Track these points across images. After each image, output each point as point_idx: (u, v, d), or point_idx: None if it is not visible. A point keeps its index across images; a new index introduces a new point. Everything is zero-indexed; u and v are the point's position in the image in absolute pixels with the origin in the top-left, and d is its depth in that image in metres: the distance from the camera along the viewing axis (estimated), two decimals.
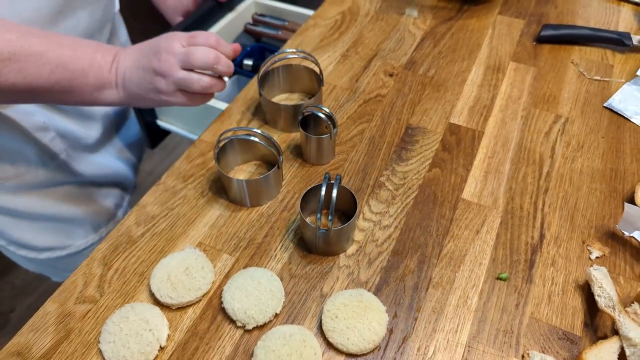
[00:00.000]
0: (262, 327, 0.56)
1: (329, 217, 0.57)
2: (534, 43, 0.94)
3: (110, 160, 1.03)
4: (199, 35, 0.66)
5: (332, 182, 0.61)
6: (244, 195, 0.67)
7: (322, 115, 0.68)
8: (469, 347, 0.55)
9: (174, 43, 0.64)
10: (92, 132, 0.95)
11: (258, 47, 1.17)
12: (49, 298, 0.59)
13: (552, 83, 0.86)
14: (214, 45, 0.66)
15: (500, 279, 0.60)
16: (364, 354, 0.54)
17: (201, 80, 0.65)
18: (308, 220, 0.61)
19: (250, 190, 0.66)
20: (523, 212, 0.67)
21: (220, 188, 0.71)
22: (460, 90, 0.85)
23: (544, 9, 1.02)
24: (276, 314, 0.57)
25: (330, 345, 0.55)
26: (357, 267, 0.62)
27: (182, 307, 0.58)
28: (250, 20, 1.21)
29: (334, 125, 0.69)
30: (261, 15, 1.20)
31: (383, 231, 0.65)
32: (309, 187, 0.63)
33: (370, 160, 0.74)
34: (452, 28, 0.97)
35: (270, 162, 0.73)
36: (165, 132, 1.18)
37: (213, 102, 0.98)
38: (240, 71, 1.14)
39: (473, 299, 0.59)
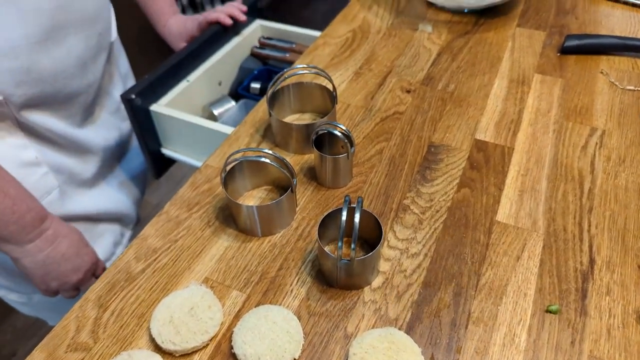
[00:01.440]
0: None
1: (352, 246, 0.51)
2: (558, 54, 0.88)
3: (110, 195, 0.97)
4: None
5: (353, 205, 0.54)
6: (255, 223, 0.60)
7: (338, 133, 0.62)
8: None
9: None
10: (89, 165, 0.90)
11: (266, 70, 1.13)
12: (37, 346, 0.52)
13: (582, 94, 0.79)
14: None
15: (550, 312, 0.52)
16: None
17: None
18: (327, 249, 0.54)
19: (262, 218, 0.59)
20: (567, 234, 0.60)
21: (228, 217, 0.64)
22: (484, 105, 0.79)
23: (564, 20, 0.97)
24: None
25: None
26: (384, 302, 0.54)
27: (187, 354, 0.51)
28: (257, 44, 1.17)
29: (351, 144, 0.63)
30: (268, 38, 1.16)
31: (411, 260, 0.58)
32: (327, 213, 0.56)
33: (392, 182, 0.67)
34: (470, 42, 0.92)
35: (283, 187, 0.66)
36: (171, 161, 1.12)
37: (219, 127, 0.93)
38: (248, 95, 1.10)
39: (521, 336, 0.51)
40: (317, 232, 0.54)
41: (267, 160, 0.58)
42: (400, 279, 0.56)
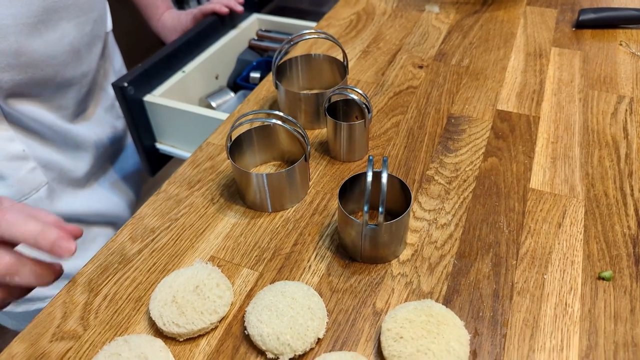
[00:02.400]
0: (301, 358, 0.42)
1: (379, 209, 0.44)
2: (573, 29, 0.84)
3: (102, 196, 0.90)
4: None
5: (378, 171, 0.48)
6: (265, 196, 0.54)
7: (355, 97, 0.57)
8: None
9: None
10: (81, 163, 0.83)
11: (264, 61, 1.08)
12: (17, 336, 0.45)
13: (604, 65, 0.75)
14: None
15: (603, 279, 0.46)
16: None
17: None
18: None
19: (272, 189, 0.53)
20: (610, 199, 0.54)
21: (234, 193, 0.58)
22: (502, 77, 0.74)
23: None
24: (319, 339, 0.43)
25: None
26: (416, 275, 0.48)
27: (193, 338, 0.44)
28: (255, 37, 1.12)
29: (369, 110, 0.58)
30: (266, 31, 1.12)
31: (441, 230, 0.52)
32: (347, 178, 0.50)
33: (412, 154, 0.62)
34: (480, 20, 0.88)
35: (294, 161, 0.60)
36: (166, 158, 1.06)
37: (217, 115, 0.87)
38: (247, 85, 1.05)
39: (574, 306, 0.45)
40: (337, 197, 0.48)
41: (279, 122, 0.52)
42: (430, 251, 0.50)
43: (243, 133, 0.57)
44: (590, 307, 0.45)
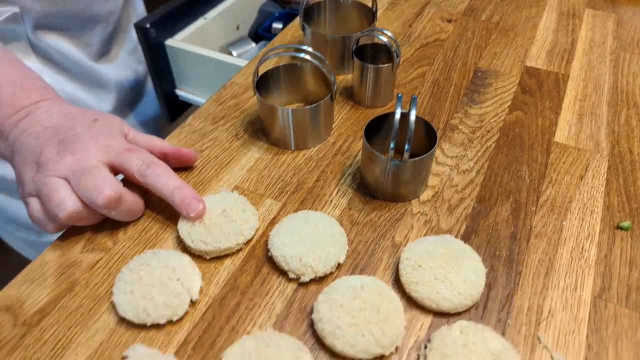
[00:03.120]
0: (321, 281, 0.44)
1: (405, 147, 0.45)
2: None
3: None
4: (135, 154, 0.47)
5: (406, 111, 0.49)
6: (289, 132, 0.55)
7: (384, 39, 0.57)
8: (595, 306, 0.41)
9: (90, 152, 0.46)
10: (104, 103, 0.84)
11: (286, 12, 1.07)
12: (48, 246, 0.47)
13: (638, 29, 0.74)
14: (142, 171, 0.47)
15: (622, 229, 0.47)
16: (458, 313, 0.41)
17: (63, 203, 0.44)
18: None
19: (296, 126, 0.54)
20: (634, 156, 0.54)
21: (258, 130, 0.59)
22: (533, 35, 0.73)
23: None
24: (339, 264, 0.44)
25: (412, 301, 0.42)
26: (435, 215, 0.49)
27: (218, 258, 0.46)
28: None
29: (397, 54, 0.57)
30: None
31: (463, 176, 0.53)
32: (374, 118, 0.51)
33: (437, 103, 0.62)
34: None
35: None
36: (185, 105, 1.07)
37: (238, 62, 0.87)
38: (269, 35, 1.04)
39: (590, 251, 0.45)
40: (363, 134, 0.49)
41: (308, 57, 0.52)
42: (451, 193, 0.51)
43: (269, 71, 0.57)
44: (606, 252, 0.45)
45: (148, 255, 0.44)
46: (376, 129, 0.52)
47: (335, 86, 0.54)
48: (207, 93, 0.98)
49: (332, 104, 0.56)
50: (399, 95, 0.47)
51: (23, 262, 0.46)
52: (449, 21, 0.76)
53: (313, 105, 0.53)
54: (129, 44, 0.89)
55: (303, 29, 0.65)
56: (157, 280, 0.41)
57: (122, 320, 0.41)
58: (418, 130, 0.51)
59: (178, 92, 1.02)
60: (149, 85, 1.02)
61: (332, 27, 0.72)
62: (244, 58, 0.99)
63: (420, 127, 0.51)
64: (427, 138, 0.51)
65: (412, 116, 0.45)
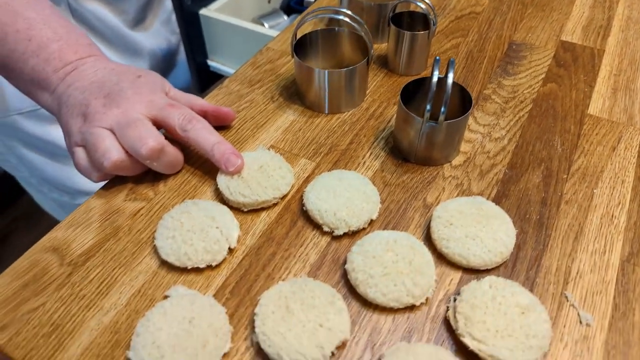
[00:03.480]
0: (353, 235, 0.45)
1: (442, 109, 0.46)
2: None
3: None
4: (177, 109, 0.49)
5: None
6: (324, 95, 0.56)
7: (422, 6, 0.57)
8: (623, 270, 0.42)
9: (135, 106, 0.48)
10: None
11: None
12: (92, 195, 0.49)
13: None
14: (184, 126, 0.48)
15: None
16: (487, 269, 0.42)
17: (108, 152, 0.46)
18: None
19: (332, 88, 0.55)
20: None
21: (293, 94, 0.60)
22: (569, 10, 0.73)
23: None
24: (371, 221, 0.46)
25: (442, 258, 0.43)
26: (466, 179, 0.50)
27: (254, 211, 0.47)
28: None
29: (434, 22, 0.58)
30: None
31: (495, 143, 0.53)
32: (410, 81, 0.51)
33: (470, 74, 0.62)
34: None
35: None
36: (216, 76, 1.09)
37: (272, 33, 0.88)
38: (301, 8, 1.05)
39: (620, 218, 0.46)
40: (399, 96, 0.50)
41: (346, 19, 0.53)
42: (482, 159, 0.52)
43: (307, 35, 0.58)
44: (636, 220, 0.46)
45: (188, 205, 0.46)
46: (412, 94, 0.52)
47: (372, 50, 0.55)
48: (238, 64, 0.99)
49: (368, 68, 0.56)
50: (437, 58, 0.48)
51: (54, 225, 0.48)
52: None
53: (349, 67, 0.54)
54: (163, 14, 0.91)
55: None
56: (198, 227, 0.43)
57: (163, 264, 0.43)
58: (453, 95, 0.51)
59: (210, 62, 1.03)
60: (181, 56, 1.04)
61: None
62: (276, 29, 1.00)
63: (456, 92, 0.51)
64: (461, 104, 0.51)
65: (450, 78, 0.46)
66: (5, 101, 0.76)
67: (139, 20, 0.84)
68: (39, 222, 1.56)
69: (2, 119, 0.77)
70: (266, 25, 1.02)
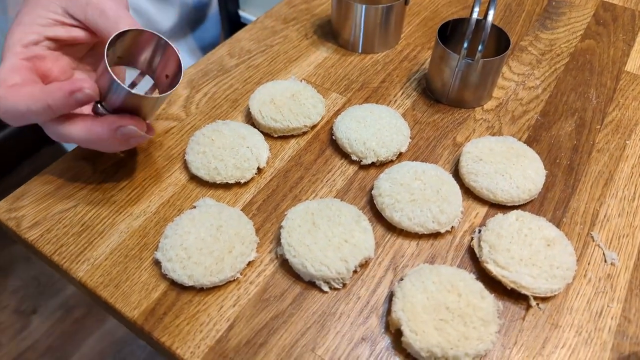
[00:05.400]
0: (381, 166, 0.45)
1: (479, 47, 0.45)
2: None
3: (182, 57, 0.93)
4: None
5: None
6: (359, 33, 0.55)
7: None
8: None
9: None
10: (167, 17, 0.86)
11: None
12: None
13: None
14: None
15: None
16: (514, 206, 0.42)
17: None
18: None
19: (367, 25, 0.54)
20: None
21: (327, 33, 0.60)
22: None
23: None
24: (400, 154, 0.46)
25: (469, 192, 0.43)
26: (498, 122, 0.50)
27: (284, 137, 0.48)
28: None
29: None
30: None
31: (528, 92, 0.53)
32: (448, 20, 0.51)
33: (508, 25, 0.61)
34: None
35: None
36: None
37: None
38: None
39: None
40: (437, 34, 0.49)
41: None
42: (515, 105, 0.51)
43: None
44: None
45: (219, 124, 0.46)
46: (449, 35, 0.52)
47: None
48: None
49: (405, 8, 0.56)
50: None
51: None
52: None
53: (387, 4, 0.53)
54: None
55: None
56: (228, 145, 0.44)
57: (192, 178, 0.44)
58: (490, 38, 0.51)
59: (242, 13, 1.03)
60: (211, 10, 1.03)
61: None
62: None
63: (494, 34, 0.50)
64: (497, 48, 0.51)
65: (490, 16, 0.45)
66: None
67: None
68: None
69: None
70: None
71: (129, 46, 0.39)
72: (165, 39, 0.38)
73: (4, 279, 1.38)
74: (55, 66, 0.38)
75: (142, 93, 0.38)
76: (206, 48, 1.03)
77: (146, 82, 0.42)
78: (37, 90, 0.34)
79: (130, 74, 0.42)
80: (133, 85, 0.41)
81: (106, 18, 0.37)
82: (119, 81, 0.35)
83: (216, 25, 1.03)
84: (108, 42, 0.35)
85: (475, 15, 0.46)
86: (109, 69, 0.34)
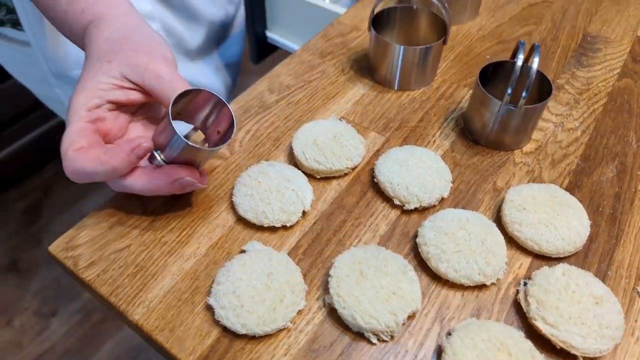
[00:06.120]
0: (423, 211, 0.46)
1: (523, 94, 0.46)
2: None
3: (206, 74, 0.95)
4: None
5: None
6: (395, 71, 0.56)
7: None
8: None
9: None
10: (196, 36, 0.87)
11: None
12: None
13: None
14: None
15: None
16: (558, 258, 0.42)
17: None
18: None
19: (405, 64, 0.55)
20: None
21: (363, 68, 0.60)
22: None
23: None
24: (442, 199, 0.46)
25: (512, 242, 0.43)
26: (538, 166, 0.50)
27: (326, 178, 0.48)
28: None
29: None
30: None
31: (567, 133, 0.53)
32: (489, 63, 0.51)
33: (543, 62, 0.62)
34: None
35: None
36: (272, 48, 1.09)
37: (336, 9, 0.88)
38: None
39: None
40: (477, 77, 0.50)
41: None
42: (555, 149, 0.51)
43: (384, 10, 0.58)
44: None
45: (264, 166, 0.47)
46: (489, 77, 0.52)
47: (449, 28, 0.55)
48: (296, 37, 0.99)
49: (442, 47, 0.56)
50: (522, 41, 0.48)
51: None
52: None
53: (425, 46, 0.54)
54: None
55: None
56: (274, 188, 0.45)
57: (239, 220, 0.45)
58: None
59: (268, 33, 1.04)
60: (235, 28, 1.04)
61: None
62: (339, 5, 0.99)
63: (535, 78, 0.51)
64: (538, 92, 0.51)
65: (535, 64, 0.45)
66: (67, 56, 0.79)
67: None
68: None
69: (66, 72, 0.79)
70: (328, 0, 1.02)
71: (186, 104, 0.40)
72: (221, 97, 0.40)
73: (27, 281, 1.41)
74: (115, 124, 0.42)
75: (199, 146, 0.39)
76: (230, 65, 1.04)
77: (185, 128, 0.44)
78: (103, 154, 0.37)
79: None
80: (186, 137, 0.43)
81: (162, 82, 0.40)
82: (181, 136, 0.36)
83: (239, 42, 1.04)
84: (171, 102, 0.36)
85: (520, 62, 0.46)
86: (172, 125, 0.36)
